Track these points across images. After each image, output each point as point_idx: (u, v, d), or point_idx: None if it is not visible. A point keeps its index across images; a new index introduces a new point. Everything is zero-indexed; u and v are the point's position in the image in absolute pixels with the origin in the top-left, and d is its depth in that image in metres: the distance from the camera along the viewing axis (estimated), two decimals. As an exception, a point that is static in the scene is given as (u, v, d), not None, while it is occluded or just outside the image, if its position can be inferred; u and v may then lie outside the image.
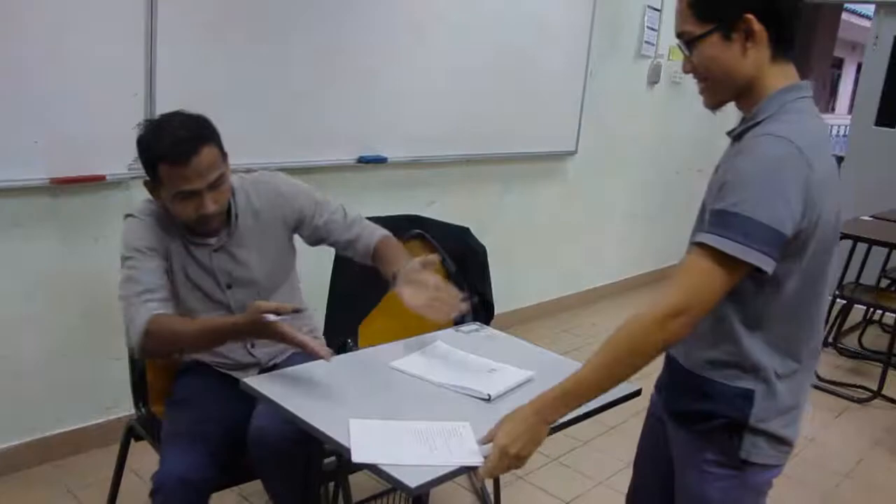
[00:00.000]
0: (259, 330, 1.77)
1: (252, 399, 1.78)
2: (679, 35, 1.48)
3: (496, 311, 2.85)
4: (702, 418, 1.51)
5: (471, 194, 4.24)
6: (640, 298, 5.64)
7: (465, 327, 2.23)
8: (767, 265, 1.33)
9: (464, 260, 2.74)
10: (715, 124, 6.66)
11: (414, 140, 3.74)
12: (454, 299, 1.87)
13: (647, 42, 5.14)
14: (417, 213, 2.80)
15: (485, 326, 2.26)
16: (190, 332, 1.90)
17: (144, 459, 2.38)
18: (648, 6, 5.08)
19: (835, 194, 1.42)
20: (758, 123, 1.42)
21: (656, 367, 1.68)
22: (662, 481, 1.68)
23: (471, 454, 1.50)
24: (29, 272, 2.67)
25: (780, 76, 1.44)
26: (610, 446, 3.27)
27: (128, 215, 2.01)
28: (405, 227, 2.61)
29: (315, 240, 2.21)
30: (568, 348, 4.31)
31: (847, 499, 3.11)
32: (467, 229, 2.83)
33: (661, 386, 1.70)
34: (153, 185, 1.96)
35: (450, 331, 2.18)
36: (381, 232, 2.20)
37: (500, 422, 1.48)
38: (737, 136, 1.49)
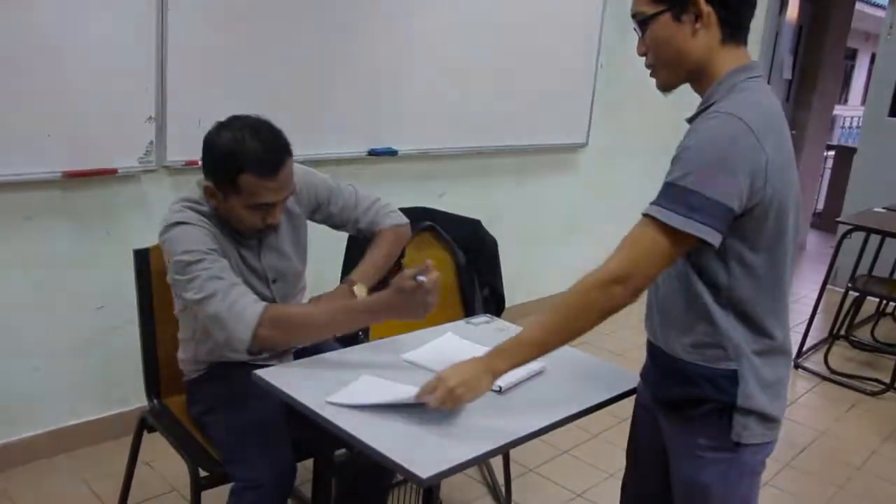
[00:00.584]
0: (407, 301, 1.76)
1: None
2: (633, 16, 1.53)
3: (507, 304, 2.86)
4: (690, 404, 1.53)
5: (482, 186, 4.23)
6: (651, 291, 5.62)
7: (475, 319, 2.24)
8: (713, 238, 1.36)
9: (475, 252, 2.74)
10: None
11: (424, 132, 3.74)
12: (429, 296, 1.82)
13: (658, 33, 5.11)
14: (428, 206, 2.80)
15: (495, 318, 2.26)
16: (319, 317, 1.87)
17: (157, 451, 2.40)
18: (660, -3, 5.04)
19: (791, 172, 1.46)
20: (710, 106, 1.45)
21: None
22: (657, 470, 1.69)
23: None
24: (41, 265, 2.68)
25: (731, 59, 1.47)
26: (620, 438, 3.23)
27: (173, 224, 1.88)
28: (416, 220, 2.61)
29: (331, 225, 2.22)
30: (578, 340, 4.29)
31: (859, 491, 3.10)
32: (478, 221, 2.83)
33: (646, 376, 1.73)
34: (221, 191, 1.88)
35: (460, 322, 2.18)
36: (390, 221, 2.20)
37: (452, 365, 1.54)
38: (691, 119, 1.52)
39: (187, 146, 2.84)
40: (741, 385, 1.48)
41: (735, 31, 1.47)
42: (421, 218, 2.66)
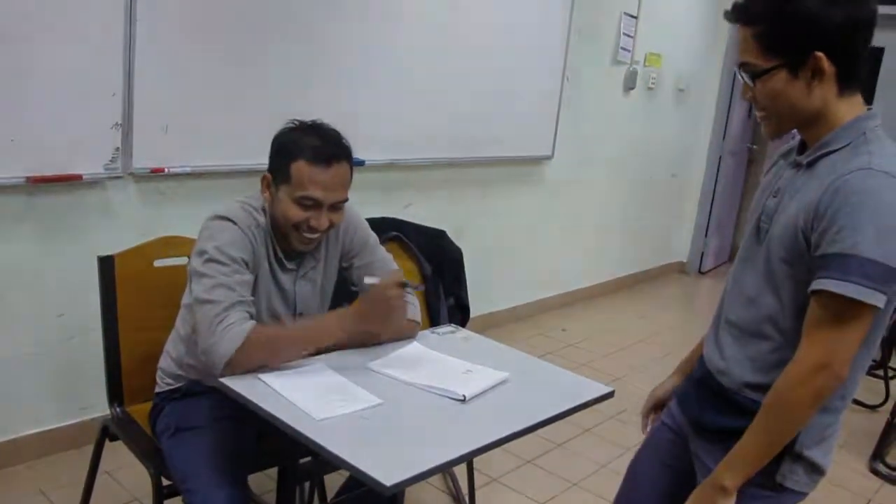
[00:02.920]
0: (374, 307, 1.82)
1: (254, 414, 1.69)
2: (741, 65, 1.44)
3: (472, 314, 2.88)
4: (741, 435, 1.46)
5: (448, 197, 4.26)
6: (616, 302, 5.69)
7: (440, 329, 2.25)
8: (881, 303, 1.31)
9: (440, 263, 2.76)
10: (690, 130, 6.76)
11: (391, 143, 3.76)
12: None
13: (623, 49, 5.20)
14: (394, 216, 2.82)
15: (460, 328, 2.28)
16: (291, 337, 1.86)
17: (118, 460, 2.38)
18: (625, 13, 5.13)
19: None
20: (834, 151, 1.40)
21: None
22: (662, 494, 1.69)
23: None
24: (5, 271, 2.65)
25: (849, 107, 1.41)
26: (585, 448, 3.29)
27: (224, 217, 1.89)
28: (382, 230, 2.63)
29: (349, 276, 2.16)
30: (543, 351, 4.34)
31: (816, 500, 3.14)
32: (444, 232, 2.85)
33: (686, 398, 1.68)
34: (276, 180, 1.93)
35: (425, 332, 2.19)
36: (414, 315, 2.14)
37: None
38: (808, 163, 1.45)
39: (154, 153, 2.85)
40: (803, 432, 1.45)
41: (852, 82, 1.41)
42: (387, 228, 2.68)
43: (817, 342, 1.35)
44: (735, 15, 1.41)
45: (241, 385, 1.72)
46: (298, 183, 1.88)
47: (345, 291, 2.19)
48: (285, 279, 2.01)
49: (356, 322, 1.87)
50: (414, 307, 2.13)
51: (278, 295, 2.01)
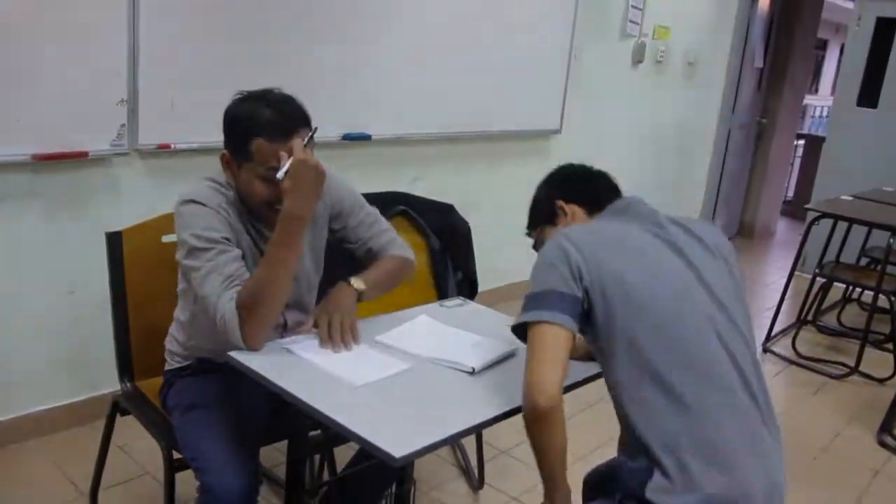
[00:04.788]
0: (300, 183, 1.74)
1: (265, 390, 1.69)
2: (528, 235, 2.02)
3: (480, 288, 2.88)
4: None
5: (456, 172, 4.25)
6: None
7: (448, 302, 2.25)
8: (574, 325, 1.59)
9: (448, 237, 2.75)
10: (699, 103, 6.70)
11: (398, 117, 3.74)
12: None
13: (631, 21, 5.15)
14: (402, 191, 2.81)
15: (468, 301, 2.28)
16: (261, 272, 1.78)
17: (130, 434, 2.40)
18: (633, -15, 5.08)
19: (639, 259, 1.65)
20: None
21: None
22: None
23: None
24: (14, 249, 2.66)
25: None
26: (592, 422, 3.29)
27: (190, 201, 1.85)
28: (390, 205, 2.62)
29: (341, 240, 2.13)
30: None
31: (824, 472, 3.17)
32: (451, 206, 2.85)
33: None
34: (236, 159, 1.87)
35: (433, 305, 2.20)
36: (400, 252, 2.14)
37: None
38: None
39: (160, 129, 2.84)
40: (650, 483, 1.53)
41: (596, 203, 1.88)
42: (394, 203, 2.67)
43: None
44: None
45: (249, 360, 1.73)
46: (260, 160, 1.82)
47: (342, 258, 2.17)
48: (266, 248, 1.95)
49: (299, 207, 1.77)
50: (405, 246, 2.15)
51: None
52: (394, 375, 1.73)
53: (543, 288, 1.62)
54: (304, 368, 1.73)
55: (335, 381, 1.68)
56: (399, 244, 2.15)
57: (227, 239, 1.83)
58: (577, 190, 1.91)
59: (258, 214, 1.93)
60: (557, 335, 1.55)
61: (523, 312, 1.62)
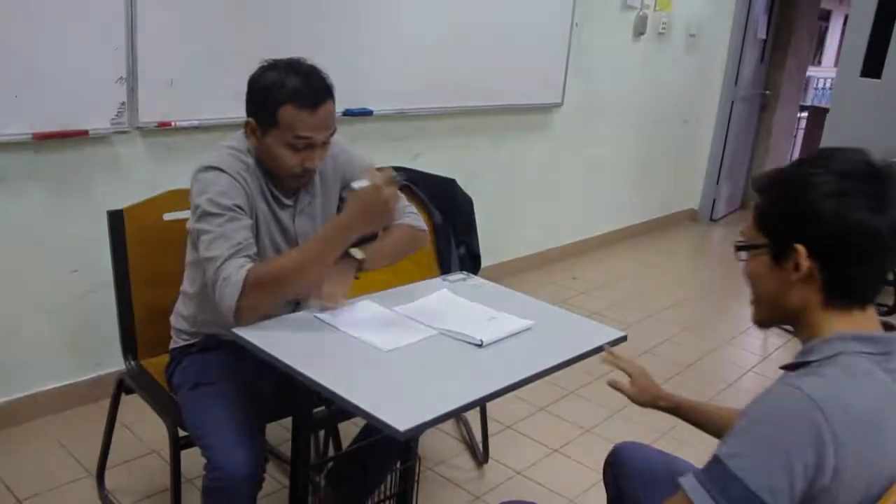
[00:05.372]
0: (367, 207, 1.77)
1: (272, 367, 1.68)
2: (742, 232, 1.34)
3: (483, 263, 2.87)
4: None
5: (457, 147, 4.23)
6: (627, 251, 5.67)
7: (451, 276, 2.25)
8: None
9: (450, 211, 2.74)
10: (701, 75, 6.65)
11: (400, 93, 3.72)
12: None
13: (633, -7, 5.11)
14: (404, 165, 2.80)
15: (471, 275, 2.27)
16: (293, 257, 1.80)
17: (135, 413, 2.41)
18: (635, -44, 5.03)
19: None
20: (805, 364, 1.23)
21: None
22: None
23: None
24: (16, 229, 2.66)
25: (841, 320, 1.24)
26: (597, 395, 3.31)
27: (210, 167, 1.86)
28: (392, 180, 2.61)
29: None
30: (554, 300, 4.32)
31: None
32: (454, 181, 2.83)
33: None
34: (261, 126, 1.88)
35: (436, 280, 2.19)
36: (409, 220, 2.13)
37: None
38: (788, 366, 1.27)
39: (160, 107, 2.82)
40: None
41: (846, 298, 1.23)
42: (397, 178, 2.66)
43: None
44: (753, 185, 1.31)
45: (252, 335, 1.73)
46: (288, 127, 1.84)
47: None
48: (284, 216, 2.00)
49: (356, 225, 1.81)
50: (417, 216, 2.16)
51: (280, 233, 2.00)
52: (412, 344, 1.75)
53: (753, 487, 1.11)
54: (308, 343, 1.73)
55: (362, 346, 1.71)
56: (409, 212, 2.16)
57: (241, 207, 1.84)
58: (837, 258, 1.21)
59: (280, 181, 1.95)
60: None
61: (707, 482, 1.16)
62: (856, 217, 1.16)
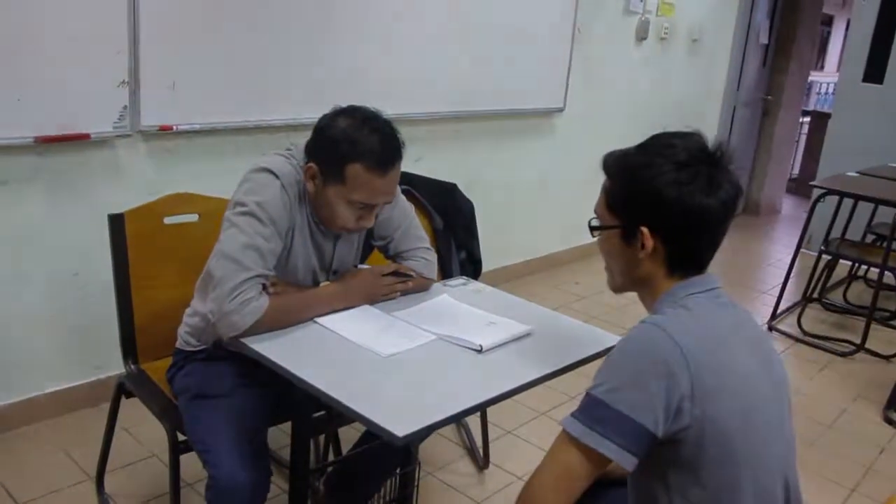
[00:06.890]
0: (367, 283, 1.92)
1: (276, 375, 1.67)
2: (595, 211, 1.52)
3: (484, 268, 2.87)
4: None
5: (459, 151, 4.23)
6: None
7: (451, 282, 2.25)
8: (622, 458, 1.26)
9: (452, 216, 2.74)
10: (703, 80, 6.64)
11: (401, 97, 3.72)
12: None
13: (635, -3, 5.11)
14: (405, 170, 2.78)
15: (472, 280, 2.27)
16: (300, 305, 1.84)
17: (135, 417, 2.40)
18: (637, -39, 5.03)
19: (746, 388, 1.34)
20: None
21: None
22: None
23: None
24: (18, 231, 2.66)
25: (682, 285, 1.42)
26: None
27: (265, 169, 1.82)
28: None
29: (369, 235, 2.12)
30: (555, 305, 4.33)
31: (829, 449, 3.17)
32: (455, 185, 2.83)
33: None
34: (324, 177, 1.81)
35: (437, 285, 2.19)
36: (421, 266, 2.11)
37: None
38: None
39: (162, 111, 2.83)
40: None
41: (686, 263, 1.42)
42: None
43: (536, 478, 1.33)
44: (602, 164, 1.51)
45: (252, 341, 1.73)
46: (354, 187, 1.78)
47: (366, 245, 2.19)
48: (323, 239, 1.97)
49: (341, 299, 1.90)
50: (430, 264, 2.13)
51: (315, 254, 1.97)
52: (411, 350, 1.75)
53: (617, 405, 1.26)
54: (308, 348, 1.73)
55: (363, 352, 1.71)
56: (421, 256, 2.12)
57: (281, 228, 1.82)
58: (677, 235, 1.40)
59: (328, 222, 1.92)
60: (592, 468, 1.29)
61: (578, 414, 1.31)
62: (693, 201, 1.34)
